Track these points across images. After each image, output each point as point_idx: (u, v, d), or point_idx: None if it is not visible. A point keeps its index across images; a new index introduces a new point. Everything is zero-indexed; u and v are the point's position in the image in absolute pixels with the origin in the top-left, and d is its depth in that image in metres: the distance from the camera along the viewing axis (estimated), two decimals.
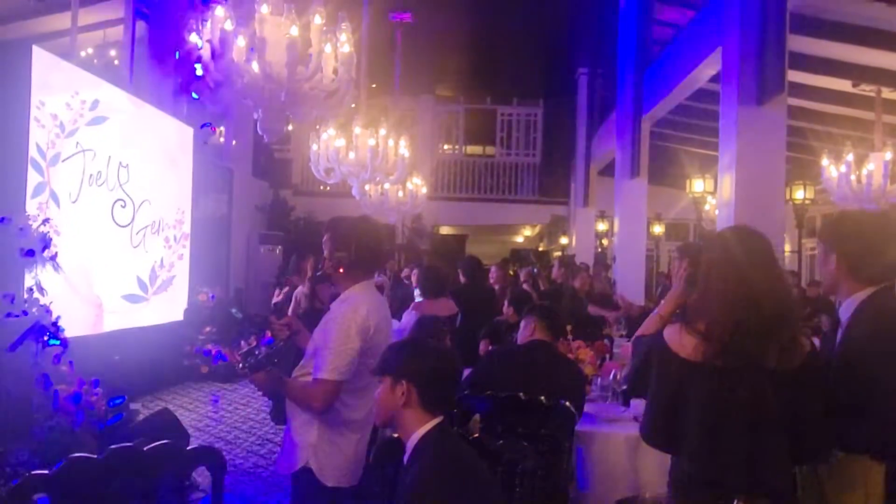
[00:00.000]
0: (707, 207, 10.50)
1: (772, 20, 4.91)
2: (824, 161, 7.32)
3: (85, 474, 1.96)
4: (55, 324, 4.47)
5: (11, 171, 5.13)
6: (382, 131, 6.66)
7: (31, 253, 4.52)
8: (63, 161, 5.69)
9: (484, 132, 16.64)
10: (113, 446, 2.04)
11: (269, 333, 2.90)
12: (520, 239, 19.70)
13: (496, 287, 6.90)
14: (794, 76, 6.34)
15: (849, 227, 2.26)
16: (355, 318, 2.52)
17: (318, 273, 3.02)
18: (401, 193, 8.84)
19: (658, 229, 13.82)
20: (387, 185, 8.16)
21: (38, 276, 4.57)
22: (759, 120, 5.16)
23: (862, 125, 8.32)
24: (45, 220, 4.80)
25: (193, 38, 3.95)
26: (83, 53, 8.70)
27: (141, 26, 7.97)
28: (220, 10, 3.70)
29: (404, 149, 7.06)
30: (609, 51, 10.27)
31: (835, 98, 7.95)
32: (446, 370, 2.13)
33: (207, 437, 6.08)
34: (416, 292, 6.03)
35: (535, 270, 8.41)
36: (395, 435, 2.17)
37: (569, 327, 4.40)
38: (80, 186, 5.95)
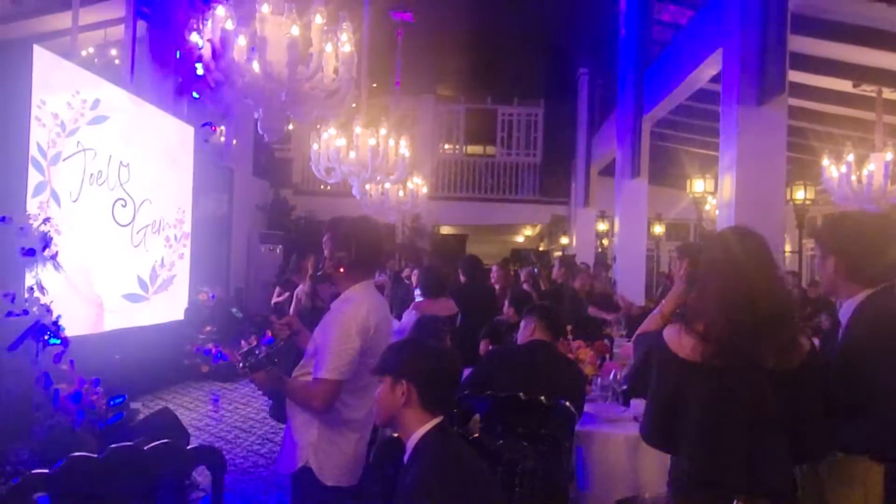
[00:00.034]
0: (707, 207, 10.49)
1: (772, 20, 4.91)
2: (825, 161, 7.32)
3: (85, 473, 1.97)
4: (56, 323, 4.47)
5: (12, 170, 5.13)
6: (383, 131, 6.66)
7: (31, 252, 4.52)
8: (64, 160, 5.69)
9: (484, 132, 16.64)
10: (113, 445, 2.04)
11: (269, 333, 2.90)
12: (520, 239, 19.70)
13: (497, 287, 6.90)
14: (794, 76, 6.33)
15: (846, 229, 2.26)
16: (355, 317, 2.52)
17: (319, 273, 3.02)
18: (401, 193, 8.84)
19: (658, 229, 13.82)
20: (387, 185, 8.16)
21: (38, 275, 4.57)
22: (760, 120, 5.16)
23: (862, 125, 8.32)
24: (46, 220, 4.81)
25: (194, 37, 3.95)
26: (84, 53, 8.70)
27: (142, 26, 7.97)
28: (220, 10, 3.70)
29: (405, 148, 7.06)
30: (610, 51, 10.26)
31: (835, 98, 7.94)
32: (446, 370, 2.13)
33: (208, 437, 6.08)
34: (417, 292, 6.03)
35: (536, 270, 8.41)
36: (395, 435, 2.17)
37: (569, 327, 4.40)
38: (80, 185, 5.95)
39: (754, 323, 1.88)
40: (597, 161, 13.04)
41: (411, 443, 2.04)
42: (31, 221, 4.70)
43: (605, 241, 14.13)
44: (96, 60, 8.99)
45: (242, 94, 3.80)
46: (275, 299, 7.19)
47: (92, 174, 6.13)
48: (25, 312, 4.28)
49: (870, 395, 2.06)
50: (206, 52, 3.72)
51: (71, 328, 4.78)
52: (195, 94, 8.13)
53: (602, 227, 14.17)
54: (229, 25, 3.70)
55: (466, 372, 3.27)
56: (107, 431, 4.43)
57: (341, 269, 2.64)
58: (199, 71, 3.89)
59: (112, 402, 4.85)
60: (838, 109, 8.27)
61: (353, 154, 6.53)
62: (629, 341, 4.45)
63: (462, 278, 6.25)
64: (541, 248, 17.36)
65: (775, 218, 5.28)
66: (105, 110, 6.26)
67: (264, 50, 3.66)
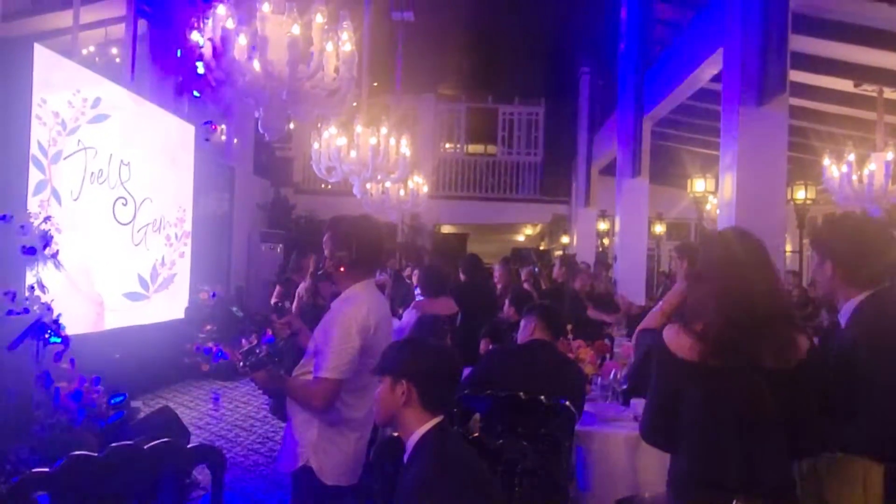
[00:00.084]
0: (708, 207, 10.49)
1: (773, 20, 4.90)
2: (826, 161, 7.31)
3: (85, 472, 1.97)
4: (56, 321, 4.47)
5: (13, 168, 5.14)
6: (384, 130, 6.65)
7: (32, 251, 4.52)
8: (64, 159, 5.69)
9: (485, 131, 16.64)
10: (113, 444, 2.04)
11: (269, 332, 2.90)
12: (521, 238, 19.70)
13: (499, 286, 6.90)
14: (795, 76, 6.33)
15: (842, 232, 2.27)
16: (356, 317, 2.52)
17: (320, 272, 3.02)
18: (402, 192, 8.84)
19: (659, 229, 13.82)
20: (388, 184, 8.16)
21: (39, 273, 4.57)
22: (761, 120, 5.15)
23: (863, 125, 8.31)
24: (47, 218, 4.81)
25: (195, 36, 3.96)
26: (85, 51, 8.70)
27: (142, 24, 7.97)
28: (221, 9, 3.70)
29: (406, 147, 7.05)
30: (611, 50, 10.25)
31: (836, 98, 7.93)
32: (446, 369, 2.13)
33: (208, 435, 6.08)
34: (417, 291, 6.03)
35: (537, 270, 8.40)
36: (395, 434, 2.18)
37: (569, 327, 4.40)
38: (81, 184, 5.96)
39: (752, 323, 1.89)
40: (598, 160, 13.03)
41: (411, 442, 2.05)
42: (31, 220, 4.71)
43: (606, 241, 14.13)
44: (97, 59, 8.99)
45: (243, 93, 3.80)
46: (274, 298, 7.19)
47: (93, 173, 6.13)
48: (26, 311, 4.28)
49: (869, 395, 2.06)
50: (207, 50, 3.72)
51: (71, 327, 4.78)
52: (196, 93, 8.13)
53: (603, 226, 14.17)
54: (230, 24, 3.70)
55: (466, 371, 3.27)
56: (107, 430, 4.43)
57: (342, 269, 2.64)
58: (200, 70, 3.89)
59: (112, 401, 4.85)
60: (839, 109, 8.26)
61: (353, 153, 6.53)
62: (630, 341, 4.46)
63: (462, 277, 6.25)
64: (541, 248, 17.35)
65: (776, 217, 5.27)
66: (106, 109, 6.27)
67: (265, 49, 3.66)
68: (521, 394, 3.14)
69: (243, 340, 2.68)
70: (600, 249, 14.06)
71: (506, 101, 16.37)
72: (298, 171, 14.97)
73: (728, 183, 5.41)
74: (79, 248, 5.77)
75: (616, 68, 10.01)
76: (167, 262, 7.68)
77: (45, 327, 4.30)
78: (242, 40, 3.71)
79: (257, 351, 2.55)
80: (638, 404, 3.35)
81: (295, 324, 2.92)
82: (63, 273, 4.97)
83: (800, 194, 9.51)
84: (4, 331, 4.13)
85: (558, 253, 14.43)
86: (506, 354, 3.76)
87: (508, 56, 13.08)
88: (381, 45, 9.29)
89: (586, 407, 3.50)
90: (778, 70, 4.88)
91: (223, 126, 10.69)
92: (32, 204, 5.17)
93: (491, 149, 16.73)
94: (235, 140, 11.28)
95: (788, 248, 10.01)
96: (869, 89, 7.32)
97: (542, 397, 3.12)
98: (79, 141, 5.88)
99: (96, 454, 2.02)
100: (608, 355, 4.72)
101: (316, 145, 6.60)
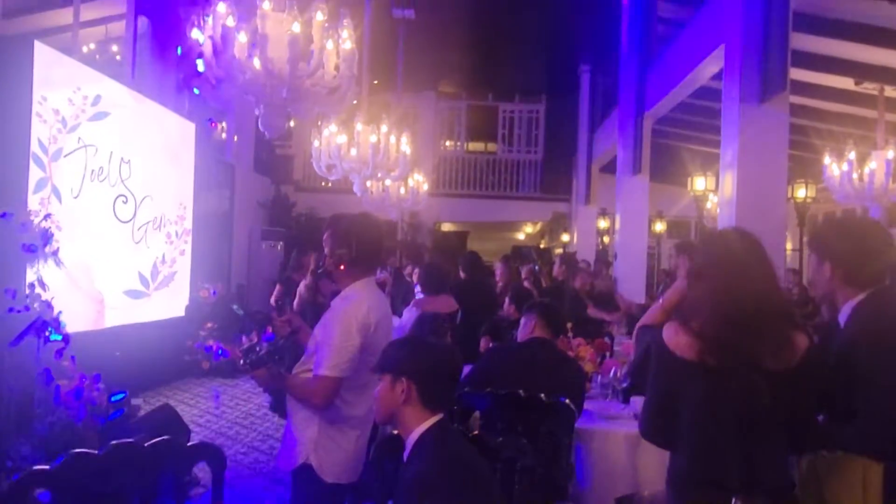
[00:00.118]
0: (709, 205, 10.48)
1: (774, 18, 4.90)
2: (826, 159, 7.30)
3: (85, 470, 1.97)
4: (57, 319, 4.47)
5: (13, 166, 5.13)
6: (384, 128, 6.65)
7: (32, 248, 4.52)
8: (65, 156, 5.69)
9: (486, 129, 16.63)
10: (113, 442, 2.05)
11: (270, 329, 2.91)
12: (521, 236, 19.70)
13: (500, 283, 6.90)
14: (796, 74, 6.31)
15: (839, 233, 2.28)
16: (356, 315, 2.53)
17: (320, 270, 3.02)
18: (402, 190, 8.84)
19: (659, 227, 13.81)
20: (388, 182, 8.16)
21: (39, 271, 4.57)
22: (761, 118, 5.14)
23: (864, 123, 8.30)
24: (47, 216, 4.80)
25: (195, 33, 3.94)
26: (85, 49, 8.71)
27: (143, 22, 7.96)
28: (221, 7, 3.70)
29: (406, 145, 7.05)
30: (611, 48, 10.24)
31: (837, 96, 7.92)
32: (446, 367, 2.13)
33: (208, 433, 6.09)
34: (417, 289, 6.03)
35: (537, 268, 8.41)
36: (395, 432, 2.18)
37: (569, 325, 4.40)
38: (81, 182, 5.96)
39: (750, 322, 1.89)
40: (598, 158, 13.02)
41: (411, 440, 2.05)
42: (32, 217, 4.70)
43: (606, 239, 14.13)
44: (97, 56, 9.01)
45: (243, 90, 3.80)
46: (274, 298, 7.19)
47: (93, 170, 6.13)
48: (27, 309, 4.28)
49: (868, 394, 2.06)
50: (207, 48, 3.72)
51: (72, 324, 4.79)
52: (196, 91, 8.12)
53: (603, 224, 14.17)
54: (230, 22, 3.69)
55: (466, 369, 3.27)
56: (108, 427, 4.43)
57: (342, 267, 2.64)
58: (200, 68, 3.88)
59: (113, 399, 4.86)
60: (840, 107, 8.25)
61: (354, 151, 6.53)
62: (630, 339, 4.46)
63: (462, 275, 6.25)
64: (542, 246, 17.35)
65: (777, 216, 5.27)
66: (106, 106, 6.26)
67: (265, 47, 3.65)
68: (521, 392, 3.15)
69: (244, 338, 2.70)
70: (600, 247, 14.05)
71: (506, 98, 16.36)
72: (299, 169, 14.97)
73: (728, 181, 5.40)
74: (79, 245, 5.77)
75: (617, 66, 10.01)
76: (168, 259, 7.68)
77: (45, 325, 4.30)
78: (243, 38, 3.70)
79: (258, 349, 2.55)
80: (638, 402, 3.35)
81: (295, 321, 2.93)
82: (63, 271, 4.97)
83: (800, 192, 9.49)
84: (5, 328, 4.13)
85: (559, 251, 14.45)
86: (506, 352, 3.76)
87: (509, 54, 13.07)
88: (381, 43, 9.29)
89: (586, 405, 3.50)
90: (779, 68, 4.88)
91: (223, 123, 10.69)
92: (33, 202, 5.18)
93: (491, 146, 16.72)
94: (235, 137, 11.30)
95: (789, 246, 10.00)
96: (870, 87, 7.32)
97: (542, 395, 3.13)
98: (79, 138, 5.88)
99: (97, 452, 2.02)
100: (608, 353, 4.73)
101: (316, 143, 6.60)
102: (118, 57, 8.81)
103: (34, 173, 5.29)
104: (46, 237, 4.63)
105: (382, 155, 6.54)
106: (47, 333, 4.28)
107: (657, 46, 8.53)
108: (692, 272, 2.09)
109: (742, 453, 1.88)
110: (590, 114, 13.58)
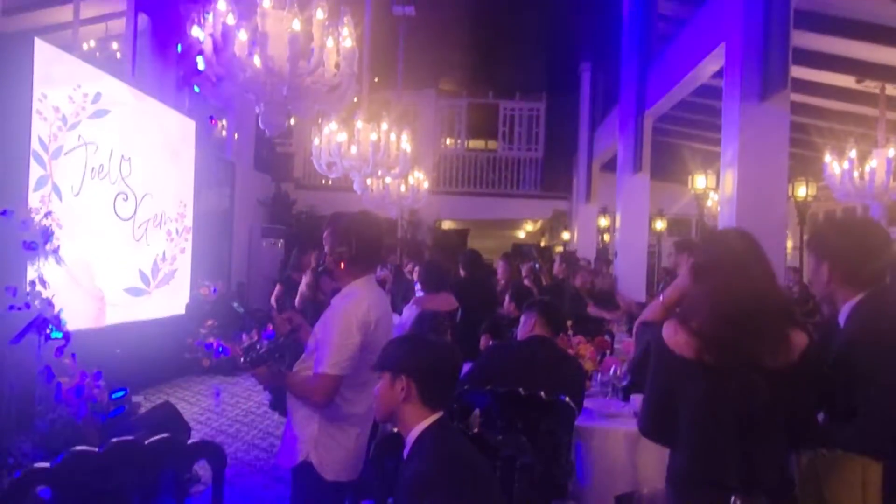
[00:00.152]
0: (709, 203, 10.49)
1: (775, 16, 4.89)
2: (827, 158, 7.30)
3: (86, 467, 1.97)
4: (57, 317, 4.47)
5: (14, 163, 5.14)
6: (384, 125, 6.65)
7: (33, 246, 4.52)
8: (65, 154, 5.69)
9: (486, 127, 16.62)
10: (114, 439, 2.05)
11: (270, 327, 2.91)
12: (521, 234, 19.70)
13: (502, 281, 6.90)
14: (797, 72, 6.31)
15: (837, 234, 2.28)
16: (356, 313, 2.53)
17: (320, 268, 3.03)
18: (403, 188, 8.83)
19: (660, 225, 13.82)
20: (388, 180, 8.15)
21: (40, 268, 4.57)
22: (762, 116, 5.14)
23: (865, 122, 8.30)
24: (48, 213, 4.80)
25: (195, 31, 3.94)
26: (85, 46, 8.71)
27: (143, 19, 7.96)
28: (221, 4, 3.70)
29: (406, 143, 7.05)
30: (612, 46, 10.23)
31: (838, 94, 7.92)
32: (446, 365, 2.13)
33: (209, 431, 6.10)
34: (417, 287, 6.04)
35: (537, 266, 8.41)
36: (395, 430, 2.18)
37: (569, 323, 4.40)
38: (82, 179, 5.96)
39: (749, 321, 1.89)
40: (599, 156, 13.02)
41: (411, 438, 2.05)
42: (32, 215, 4.70)
43: (607, 237, 14.13)
44: (98, 54, 9.00)
45: (243, 88, 3.79)
46: (274, 298, 7.20)
47: (93, 168, 6.13)
48: (27, 306, 4.28)
49: (868, 394, 2.06)
50: (208, 46, 3.72)
51: (72, 322, 4.79)
52: (196, 89, 8.12)
53: (603, 222, 14.17)
54: (230, 20, 3.69)
55: (466, 367, 3.27)
56: (108, 425, 4.44)
57: (342, 265, 2.65)
58: (201, 65, 3.88)
59: (113, 396, 4.86)
60: (841, 105, 8.25)
61: (354, 149, 6.52)
62: (630, 337, 4.46)
63: (462, 273, 6.25)
64: (542, 244, 17.35)
65: (777, 214, 5.26)
66: (106, 104, 6.26)
67: (265, 45, 3.65)
68: (521, 390, 3.15)
69: (244, 336, 2.70)
70: (601, 245, 14.06)
71: (507, 96, 16.35)
72: (299, 167, 14.97)
73: (729, 179, 5.40)
74: (80, 243, 5.78)
75: (617, 64, 10.00)
76: (168, 257, 7.69)
77: (46, 322, 4.30)
78: (243, 36, 3.70)
79: (258, 346, 2.55)
80: (638, 400, 3.35)
81: (296, 319, 2.93)
82: (64, 268, 4.97)
83: (801, 191, 9.48)
84: (6, 326, 4.13)
85: (559, 249, 14.45)
86: (506, 350, 3.77)
87: (509, 51, 13.06)
88: (381, 41, 9.28)
89: (586, 403, 3.51)
90: (779, 66, 4.87)
91: (224, 121, 10.68)
92: (33, 199, 5.18)
93: (492, 144, 16.71)
94: (236, 135, 11.29)
95: (789, 244, 10.00)
96: (871, 86, 7.31)
97: (542, 393, 3.13)
98: (79, 136, 5.88)
99: (97, 449, 2.03)
100: (608, 351, 4.73)
101: (316, 141, 6.59)
102: (118, 54, 8.81)
103: (34, 171, 5.29)
104: (47, 235, 4.63)
105: (383, 153, 6.54)
106: (48, 331, 4.28)
107: (658, 44, 8.52)
108: (694, 270, 2.09)
109: (741, 452, 1.88)
110: (590, 112, 13.58)
